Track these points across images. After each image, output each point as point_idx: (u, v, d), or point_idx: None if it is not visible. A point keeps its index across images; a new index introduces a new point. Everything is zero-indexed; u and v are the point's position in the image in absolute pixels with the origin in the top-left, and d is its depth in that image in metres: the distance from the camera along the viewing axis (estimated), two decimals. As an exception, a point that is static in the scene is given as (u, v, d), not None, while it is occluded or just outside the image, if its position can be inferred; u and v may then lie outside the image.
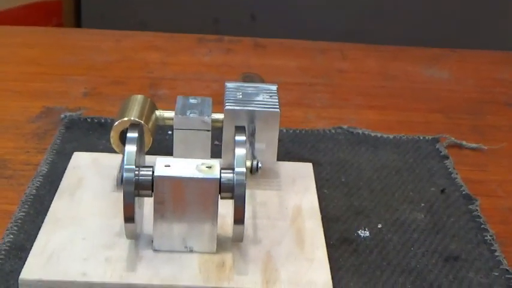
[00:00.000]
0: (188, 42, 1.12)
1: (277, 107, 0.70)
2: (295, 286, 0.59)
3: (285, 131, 0.85)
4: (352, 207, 0.73)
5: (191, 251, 0.62)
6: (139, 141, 0.61)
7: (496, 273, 0.65)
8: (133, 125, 0.62)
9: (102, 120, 0.85)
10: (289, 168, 0.74)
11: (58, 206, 0.67)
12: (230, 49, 1.11)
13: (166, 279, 0.59)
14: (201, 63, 1.06)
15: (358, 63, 1.09)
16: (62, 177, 0.72)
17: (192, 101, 0.72)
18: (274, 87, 0.74)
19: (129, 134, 0.60)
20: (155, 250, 0.62)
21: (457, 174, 0.80)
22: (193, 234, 0.62)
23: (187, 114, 0.70)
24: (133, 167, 0.58)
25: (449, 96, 1.00)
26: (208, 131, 0.70)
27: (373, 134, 0.88)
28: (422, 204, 0.75)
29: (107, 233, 0.64)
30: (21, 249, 0.64)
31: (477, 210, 0.74)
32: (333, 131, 0.87)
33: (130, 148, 0.59)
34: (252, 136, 0.70)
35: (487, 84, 1.05)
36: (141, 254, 0.62)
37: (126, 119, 0.68)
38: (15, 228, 0.67)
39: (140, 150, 0.62)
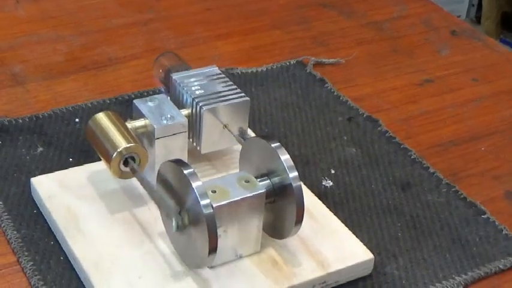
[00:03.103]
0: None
1: (244, 94, 0.74)
2: (344, 261, 0.68)
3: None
4: (296, 158, 0.81)
5: (241, 257, 0.67)
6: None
7: (444, 190, 0.79)
8: (180, 161, 0.63)
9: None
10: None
11: (80, 248, 0.66)
12: (34, -6, 1.06)
13: (247, 295, 0.64)
14: (19, 20, 1.01)
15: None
16: (27, 206, 0.71)
17: (150, 103, 0.73)
18: (216, 69, 0.77)
19: (186, 171, 0.61)
20: (212, 267, 0.66)
21: (344, 96, 0.91)
22: (242, 242, 0.66)
23: (164, 122, 0.71)
24: (209, 201, 0.61)
25: (269, 6, 1.08)
26: (185, 132, 0.72)
27: (249, 71, 0.94)
28: (345, 137, 0.85)
29: (154, 264, 0.66)
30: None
31: (388, 131, 0.86)
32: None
33: (198, 184, 0.61)
34: (226, 127, 0.73)
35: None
36: (203, 276, 0.65)
37: (123, 147, 0.67)
38: (41, 282, 0.65)
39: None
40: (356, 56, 0.98)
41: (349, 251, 0.68)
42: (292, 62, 0.96)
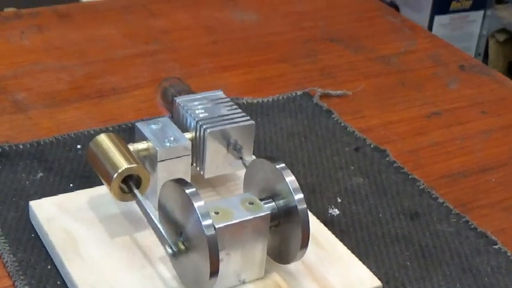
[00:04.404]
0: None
1: (249, 118, 0.72)
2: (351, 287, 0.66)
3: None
4: (302, 186, 0.79)
5: (244, 282, 0.65)
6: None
7: (454, 220, 0.77)
8: (182, 181, 0.61)
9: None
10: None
11: (77, 272, 0.64)
12: (39, 25, 1.05)
13: (250, 320, 0.62)
14: (24, 50, 1.00)
15: (170, 19, 1.10)
16: (25, 230, 0.69)
17: (153, 126, 0.71)
18: (220, 93, 0.76)
19: (188, 190, 0.59)
20: (214, 292, 0.64)
21: (351, 127, 0.89)
22: (245, 267, 0.64)
23: (167, 144, 0.69)
24: (211, 221, 0.59)
25: (276, 40, 1.07)
26: (188, 155, 0.70)
27: (255, 101, 0.93)
28: (352, 167, 0.83)
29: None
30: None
31: (396, 162, 0.84)
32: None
33: (200, 204, 0.59)
34: (234, 150, 0.72)
35: (294, 20, 1.13)
36: (204, 301, 0.63)
37: (124, 168, 0.66)
38: (37, 307, 0.63)
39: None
40: (363, 88, 0.97)
41: (356, 277, 0.66)
42: (298, 93, 0.94)
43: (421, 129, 0.91)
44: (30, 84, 0.92)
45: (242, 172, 0.71)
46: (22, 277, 0.65)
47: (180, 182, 0.60)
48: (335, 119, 0.91)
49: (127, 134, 0.83)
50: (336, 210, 0.77)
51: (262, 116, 0.90)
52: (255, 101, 0.92)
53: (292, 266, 0.66)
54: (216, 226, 0.59)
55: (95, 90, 0.92)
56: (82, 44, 1.01)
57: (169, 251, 0.60)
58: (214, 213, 0.61)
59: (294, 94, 0.94)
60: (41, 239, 0.69)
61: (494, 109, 0.96)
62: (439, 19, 2.22)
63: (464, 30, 2.30)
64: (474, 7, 2.27)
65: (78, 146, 0.81)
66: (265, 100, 0.93)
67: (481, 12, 2.30)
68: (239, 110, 0.73)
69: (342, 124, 0.90)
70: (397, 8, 2.15)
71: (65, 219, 0.69)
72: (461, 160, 0.86)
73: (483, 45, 2.38)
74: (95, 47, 1.01)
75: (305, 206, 0.62)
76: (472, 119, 0.94)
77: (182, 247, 0.60)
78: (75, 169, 0.78)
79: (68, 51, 0.99)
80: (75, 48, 1.00)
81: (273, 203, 0.64)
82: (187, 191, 0.59)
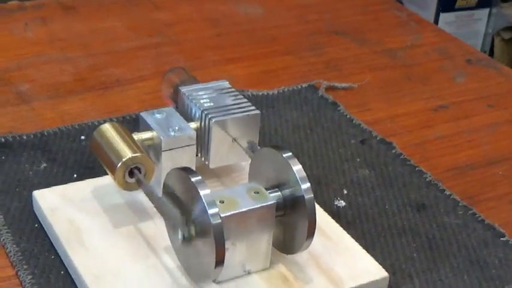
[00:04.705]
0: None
1: (254, 108, 0.72)
2: (358, 279, 0.65)
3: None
4: (308, 178, 0.78)
5: (249, 273, 0.64)
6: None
7: (461, 212, 0.77)
8: (187, 169, 0.60)
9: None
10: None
11: (80, 261, 0.64)
12: (43, 17, 1.04)
13: (256, 311, 0.61)
14: (28, 42, 0.99)
15: (174, 12, 1.10)
16: (28, 220, 0.68)
17: (158, 116, 0.71)
18: (226, 83, 0.75)
19: (194, 179, 0.59)
20: (218, 282, 0.63)
21: (357, 119, 0.89)
22: (251, 257, 0.63)
23: (172, 134, 0.68)
24: (217, 210, 0.58)
25: (281, 33, 1.06)
26: (193, 145, 0.70)
27: (260, 93, 0.92)
28: (358, 159, 0.83)
29: (158, 278, 0.63)
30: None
31: (402, 154, 0.84)
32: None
33: (206, 192, 0.58)
34: (235, 140, 0.71)
35: (299, 13, 1.12)
36: (209, 291, 0.62)
37: (129, 157, 0.65)
38: (40, 296, 0.62)
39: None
40: (369, 81, 0.96)
41: (362, 268, 0.65)
42: (303, 86, 0.94)
43: (428, 122, 0.90)
44: (34, 76, 0.91)
45: (247, 163, 0.70)
46: (25, 267, 0.64)
47: (186, 170, 0.59)
48: (341, 111, 0.90)
49: (131, 125, 0.82)
50: (342, 202, 0.76)
51: (268, 108, 0.89)
52: (260, 93, 0.91)
53: (298, 257, 0.65)
54: (222, 215, 0.59)
55: (99, 82, 0.91)
56: (86, 37, 1.01)
57: (180, 235, 0.59)
58: (220, 202, 0.61)
59: (300, 87, 0.94)
60: (44, 229, 0.68)
61: (501, 102, 0.95)
62: (444, 17, 2.21)
63: (470, 28, 2.29)
64: (480, 5, 2.26)
65: (82, 137, 0.81)
66: (270, 92, 0.92)
67: (486, 10, 2.29)
68: (245, 100, 0.72)
69: (348, 116, 0.89)
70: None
71: (69, 209, 0.68)
72: (468, 153, 0.85)
73: (488, 43, 2.37)
74: (98, 40, 1.00)
75: (312, 195, 0.61)
76: (478, 112, 0.93)
77: (193, 232, 0.59)
78: (79, 160, 0.77)
79: (72, 43, 0.99)
80: (79, 40, 1.00)
81: (279, 193, 0.63)
82: (193, 179, 0.58)
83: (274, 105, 0.90)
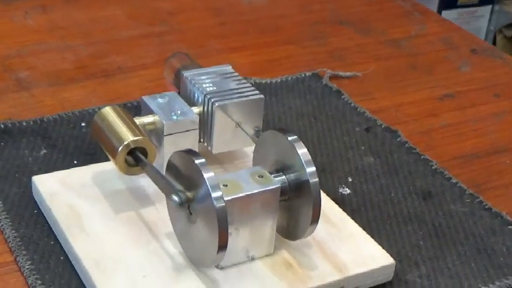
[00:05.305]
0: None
1: (258, 92, 0.70)
2: (363, 265, 0.63)
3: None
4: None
5: (252, 259, 0.63)
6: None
7: (468, 200, 0.75)
8: (191, 151, 0.59)
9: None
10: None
11: (80, 246, 0.62)
12: (44, 5, 1.03)
13: (260, 297, 0.60)
14: (28, 30, 0.98)
15: (177, 0, 1.08)
16: (28, 206, 0.67)
17: (160, 100, 0.69)
18: (229, 68, 0.74)
19: (197, 161, 0.57)
20: (221, 268, 0.62)
21: (362, 108, 0.87)
22: (254, 243, 0.62)
23: (174, 118, 0.67)
24: (221, 193, 0.57)
25: (285, 23, 1.05)
26: (196, 129, 0.68)
27: (263, 81, 0.91)
28: (363, 147, 0.81)
29: (159, 263, 0.61)
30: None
31: (407, 142, 0.82)
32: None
33: (210, 175, 0.57)
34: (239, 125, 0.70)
35: (303, 3, 1.11)
36: (212, 277, 0.61)
37: (130, 140, 0.64)
38: (39, 281, 0.61)
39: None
40: (373, 70, 0.95)
41: (368, 255, 0.64)
42: (307, 74, 0.93)
43: (433, 111, 0.89)
44: (34, 63, 0.90)
45: (250, 149, 0.69)
46: (24, 252, 0.63)
47: (189, 153, 0.58)
48: (345, 99, 0.89)
49: (133, 112, 0.80)
50: (347, 189, 0.75)
51: (271, 97, 0.88)
52: (263, 82, 0.90)
53: (302, 243, 0.64)
54: (225, 199, 0.57)
55: (100, 70, 0.90)
56: (86, 25, 1.00)
57: (176, 199, 0.58)
58: (223, 185, 0.59)
59: (303, 75, 0.92)
60: (44, 215, 0.67)
61: (507, 92, 0.94)
62: (446, 14, 2.19)
63: (472, 25, 2.28)
64: (482, 2, 2.25)
65: (83, 124, 0.80)
66: (274, 81, 0.91)
67: (488, 7, 2.28)
68: (248, 84, 0.71)
69: (352, 105, 0.88)
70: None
71: (69, 194, 0.67)
72: (474, 142, 0.84)
73: (490, 40, 2.36)
74: (99, 28, 0.99)
75: (317, 179, 0.60)
76: (484, 101, 0.92)
77: (190, 196, 0.58)
78: (80, 146, 0.76)
79: (72, 32, 0.98)
80: (80, 28, 0.98)
81: (284, 177, 0.62)
82: (196, 161, 0.57)
83: (278, 94, 0.89)
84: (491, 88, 0.94)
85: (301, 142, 0.61)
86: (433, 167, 0.78)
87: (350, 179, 0.76)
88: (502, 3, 2.29)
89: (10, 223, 0.66)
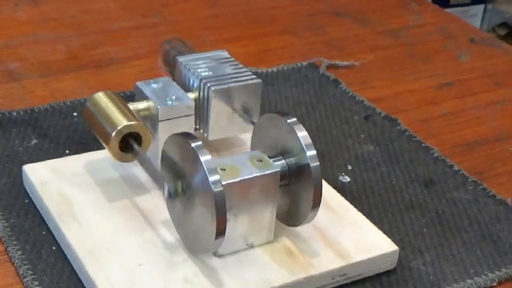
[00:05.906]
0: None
1: (255, 77, 0.68)
2: (366, 252, 0.61)
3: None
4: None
5: (252, 246, 0.61)
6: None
7: (471, 187, 0.73)
8: (187, 134, 0.57)
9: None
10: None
11: (73, 235, 0.60)
12: (34, -4, 1.01)
13: (260, 285, 0.58)
14: (18, 22, 0.96)
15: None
16: (19, 196, 0.65)
17: (154, 85, 0.67)
18: (225, 53, 0.72)
19: (194, 144, 0.55)
20: (220, 256, 0.59)
21: (360, 96, 0.85)
22: (254, 230, 0.60)
23: (169, 103, 0.65)
24: (218, 177, 0.54)
25: (280, 13, 1.03)
26: (192, 115, 0.66)
27: (259, 71, 0.89)
28: (362, 136, 0.79)
29: (155, 252, 0.59)
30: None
31: (408, 130, 0.80)
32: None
33: (206, 158, 0.55)
34: (241, 110, 0.68)
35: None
36: (210, 265, 0.59)
37: (124, 125, 0.61)
38: (30, 272, 0.59)
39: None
40: (371, 60, 0.93)
41: (371, 242, 0.62)
42: (304, 64, 0.91)
43: (433, 99, 0.87)
44: (24, 54, 0.88)
45: (248, 136, 0.67)
46: (15, 242, 0.61)
47: (185, 136, 0.56)
48: (343, 88, 0.87)
49: (126, 101, 0.79)
50: (347, 177, 0.73)
51: (267, 86, 0.86)
52: (259, 71, 0.88)
53: (303, 230, 0.62)
54: (223, 183, 0.55)
55: (92, 61, 0.88)
56: (78, 17, 0.98)
57: (166, 192, 0.56)
58: (221, 169, 0.57)
59: (300, 64, 0.90)
60: (35, 205, 0.65)
61: (508, 80, 0.92)
62: (440, 12, 2.18)
63: (465, 24, 2.26)
64: (475, 1, 2.23)
65: (74, 114, 0.78)
66: (270, 70, 0.89)
67: (481, 6, 2.27)
68: (245, 69, 0.69)
69: (350, 94, 0.86)
70: None
71: (60, 183, 0.65)
72: (475, 130, 0.82)
73: (485, 39, 2.35)
74: (92, 19, 0.97)
75: (318, 163, 0.58)
76: (485, 89, 0.90)
77: (180, 188, 0.56)
78: (72, 136, 0.74)
79: (63, 23, 0.96)
80: (72, 20, 0.96)
81: (283, 161, 0.60)
82: (193, 144, 0.55)
83: (274, 83, 0.87)
84: (491, 77, 0.93)
85: (300, 125, 0.59)
86: (434, 155, 0.76)
87: (350, 167, 0.74)
88: (495, 2, 2.28)
89: (0, 213, 0.64)
